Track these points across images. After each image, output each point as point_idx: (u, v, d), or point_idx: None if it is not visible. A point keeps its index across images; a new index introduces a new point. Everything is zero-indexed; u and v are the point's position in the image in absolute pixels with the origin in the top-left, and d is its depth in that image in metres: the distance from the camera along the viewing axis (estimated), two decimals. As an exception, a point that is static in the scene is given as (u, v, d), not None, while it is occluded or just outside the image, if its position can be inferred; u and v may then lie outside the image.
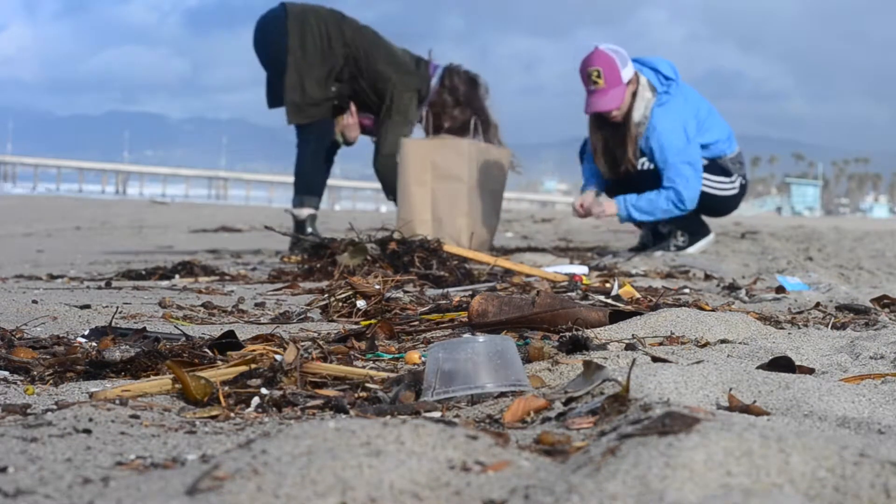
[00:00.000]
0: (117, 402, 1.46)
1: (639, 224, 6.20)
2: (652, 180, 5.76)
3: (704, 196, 5.82)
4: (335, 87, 6.23)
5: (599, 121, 5.76)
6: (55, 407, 1.43)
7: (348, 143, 6.45)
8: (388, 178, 6.08)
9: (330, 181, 6.66)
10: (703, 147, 5.84)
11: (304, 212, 6.19)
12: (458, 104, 6.28)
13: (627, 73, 5.64)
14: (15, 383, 1.64)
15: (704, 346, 2.04)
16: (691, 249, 5.86)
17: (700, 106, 5.87)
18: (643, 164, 5.80)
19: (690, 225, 5.95)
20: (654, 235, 6.12)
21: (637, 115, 5.68)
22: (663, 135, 5.67)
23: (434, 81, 6.29)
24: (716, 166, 5.89)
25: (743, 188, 6.07)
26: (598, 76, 5.59)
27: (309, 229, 6.12)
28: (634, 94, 5.68)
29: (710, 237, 6.11)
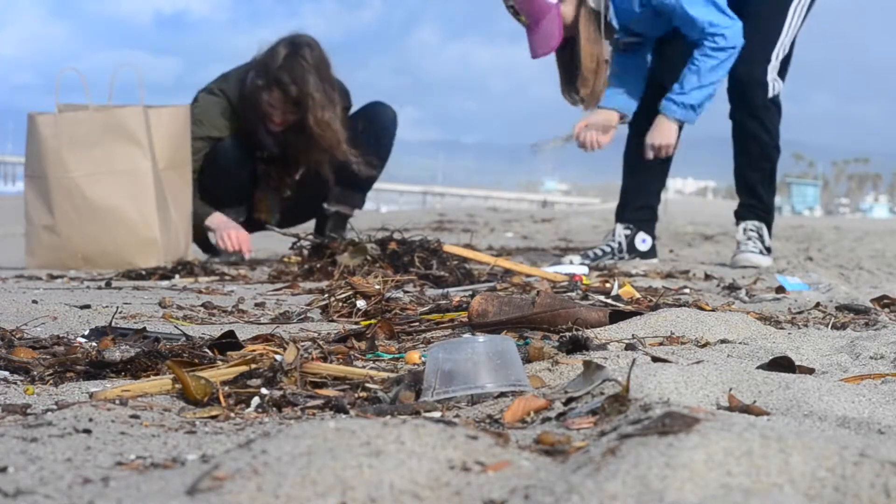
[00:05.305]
0: (117, 402, 1.46)
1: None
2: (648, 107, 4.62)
3: None
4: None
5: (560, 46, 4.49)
6: (55, 407, 1.43)
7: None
8: None
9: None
10: None
11: None
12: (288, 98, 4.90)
13: None
14: (15, 383, 1.64)
15: (704, 346, 2.04)
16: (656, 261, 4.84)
17: None
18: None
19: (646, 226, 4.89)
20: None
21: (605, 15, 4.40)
22: None
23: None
24: None
25: None
26: (516, 13, 4.43)
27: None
28: (582, 1, 4.38)
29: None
